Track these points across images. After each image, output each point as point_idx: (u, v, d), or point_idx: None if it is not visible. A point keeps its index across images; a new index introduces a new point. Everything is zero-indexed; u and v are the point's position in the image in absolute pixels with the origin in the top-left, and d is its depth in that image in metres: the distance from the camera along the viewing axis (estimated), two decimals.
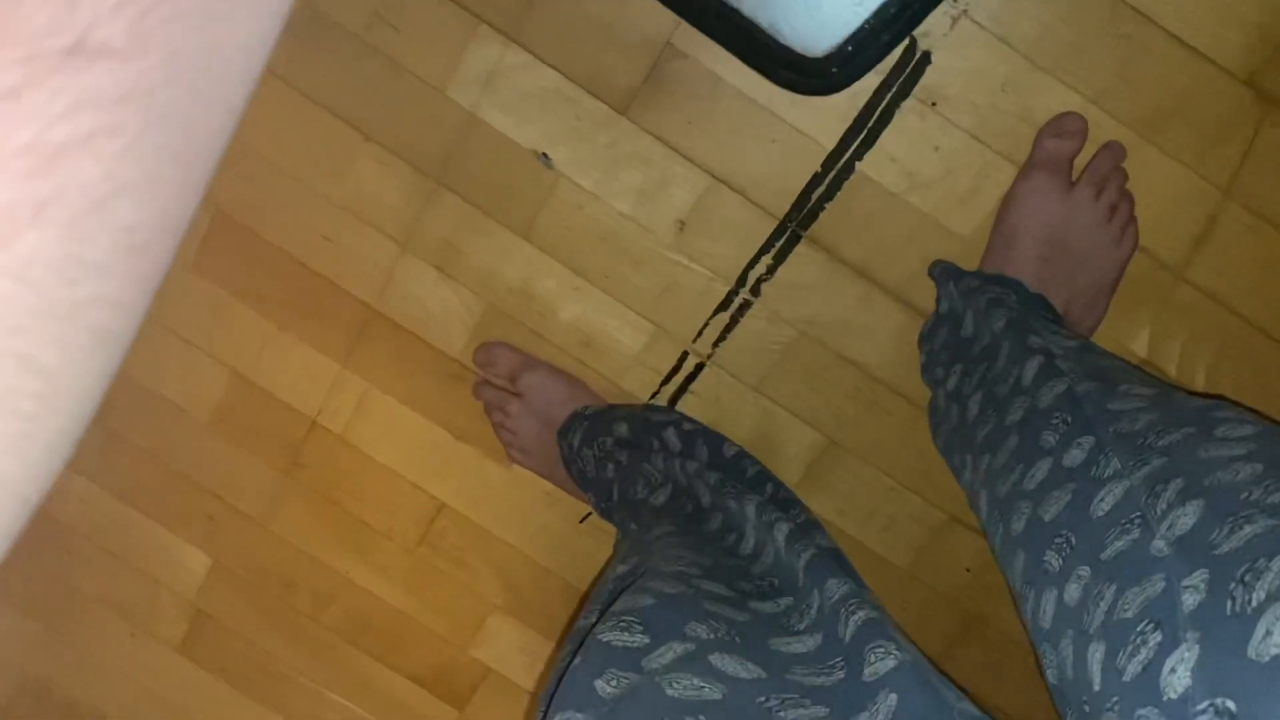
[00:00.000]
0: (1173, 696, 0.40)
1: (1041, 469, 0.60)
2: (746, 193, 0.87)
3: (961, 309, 0.82)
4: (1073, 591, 0.50)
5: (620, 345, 0.94)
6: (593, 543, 1.01)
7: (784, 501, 0.84)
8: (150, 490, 1.07)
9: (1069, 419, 0.60)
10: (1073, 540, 0.53)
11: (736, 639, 0.54)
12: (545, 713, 0.52)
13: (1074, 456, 0.57)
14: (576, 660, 0.52)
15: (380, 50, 0.86)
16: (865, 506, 0.95)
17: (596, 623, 0.57)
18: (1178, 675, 0.40)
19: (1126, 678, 0.43)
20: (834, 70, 0.77)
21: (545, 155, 0.88)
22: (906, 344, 0.89)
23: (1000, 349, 0.74)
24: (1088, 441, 0.57)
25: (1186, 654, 0.40)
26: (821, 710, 0.48)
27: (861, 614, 0.54)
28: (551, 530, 1.02)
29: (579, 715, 0.49)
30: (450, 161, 0.89)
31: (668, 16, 0.82)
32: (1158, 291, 0.86)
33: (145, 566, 1.11)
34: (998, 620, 0.97)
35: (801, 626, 0.58)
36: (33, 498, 0.19)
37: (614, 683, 0.49)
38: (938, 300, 0.87)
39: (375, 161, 0.90)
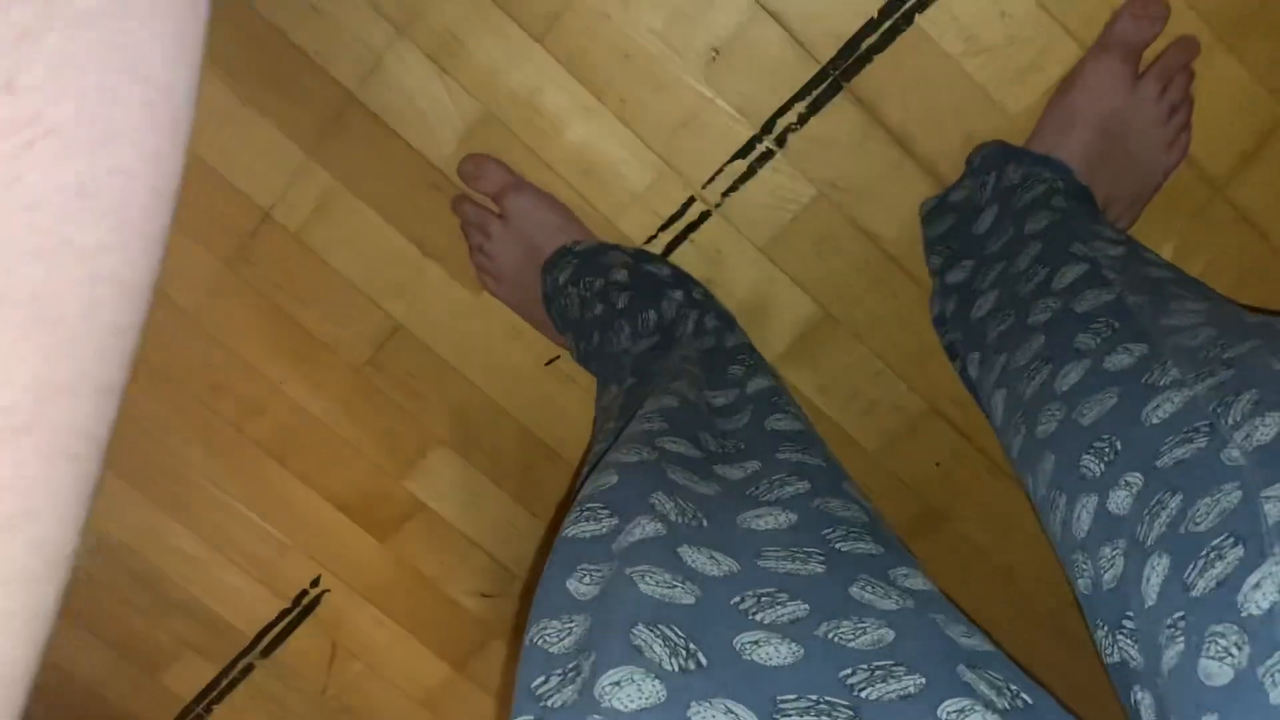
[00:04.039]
0: (1255, 612, 0.36)
1: (1075, 371, 0.56)
2: (793, 29, 0.79)
3: (983, 203, 0.77)
4: (1120, 499, 0.47)
5: (623, 180, 0.86)
6: (557, 386, 0.95)
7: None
8: None
9: (1115, 324, 0.56)
10: (1118, 445, 0.49)
11: (704, 522, 0.50)
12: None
13: (1119, 361, 0.54)
14: (548, 562, 0.49)
15: None
16: (849, 387, 0.91)
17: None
18: (1262, 591, 0.37)
19: (1196, 593, 0.40)
20: None
21: None
22: None
23: (1025, 249, 0.70)
24: (1139, 349, 0.53)
25: (1275, 568, 0.37)
26: (800, 608, 0.44)
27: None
28: (513, 368, 0.95)
29: (554, 623, 0.45)
30: None
31: None
32: (1194, 203, 0.82)
33: None
34: (959, 519, 0.95)
35: (770, 497, 0.55)
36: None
37: (586, 579, 0.46)
38: (957, 185, 0.82)
39: None
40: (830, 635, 0.42)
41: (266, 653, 1.09)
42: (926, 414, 0.92)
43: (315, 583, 1.06)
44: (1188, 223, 0.83)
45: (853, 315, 0.89)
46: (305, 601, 1.07)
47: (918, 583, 0.49)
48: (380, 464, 1.01)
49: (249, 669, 1.10)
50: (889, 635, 0.42)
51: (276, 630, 1.08)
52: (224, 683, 1.11)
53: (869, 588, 0.46)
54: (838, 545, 0.50)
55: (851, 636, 0.42)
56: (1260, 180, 0.81)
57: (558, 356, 0.94)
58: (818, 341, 0.90)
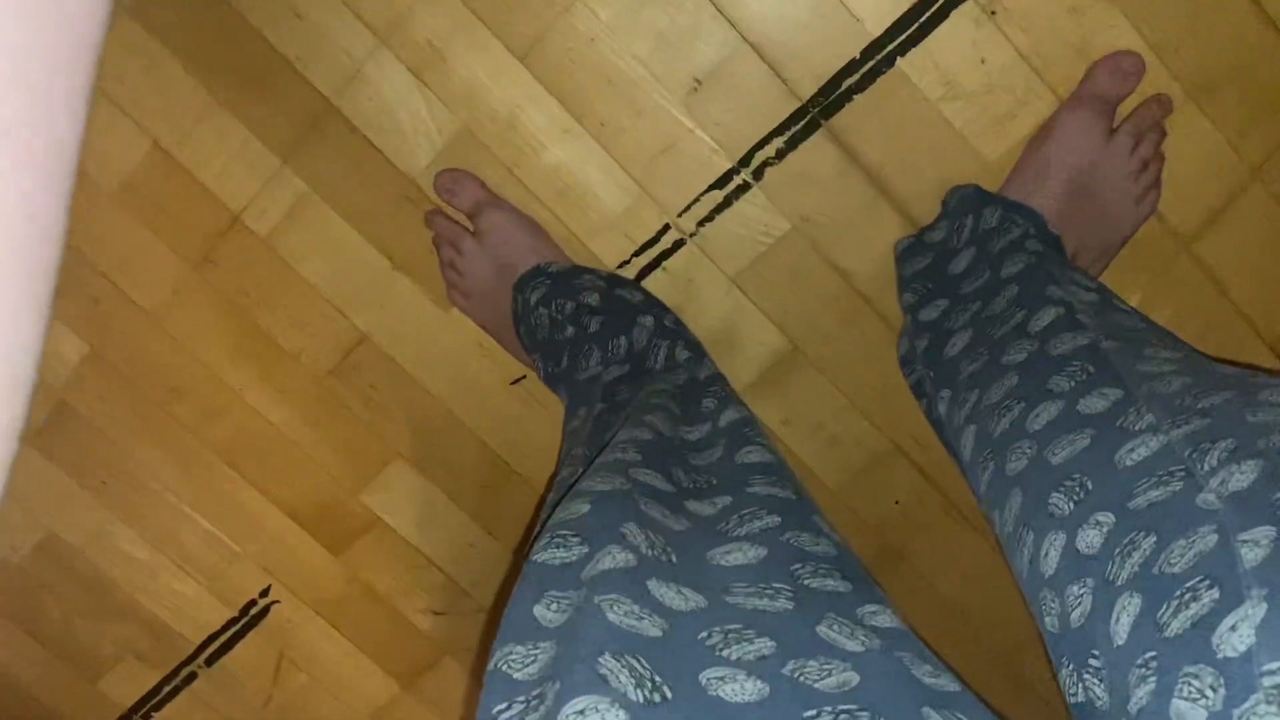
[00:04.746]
0: (1231, 655, 0.37)
1: (1049, 411, 0.56)
2: (776, 65, 0.80)
3: (959, 244, 0.78)
4: (1090, 538, 0.47)
5: (599, 203, 0.86)
6: (520, 407, 0.95)
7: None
8: None
9: (1090, 369, 0.57)
10: (1089, 485, 0.49)
11: (673, 557, 0.50)
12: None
13: (1094, 404, 0.54)
14: (516, 588, 0.48)
15: None
16: (812, 420, 0.92)
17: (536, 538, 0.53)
18: (1239, 634, 0.37)
19: (1169, 633, 0.40)
20: None
21: None
22: None
23: (1002, 292, 0.70)
24: (1114, 393, 0.54)
25: (1251, 611, 0.37)
26: (767, 645, 0.44)
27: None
28: (478, 385, 0.94)
29: (519, 649, 0.45)
30: None
31: None
32: (1159, 258, 0.84)
33: None
34: (915, 560, 0.96)
35: (740, 532, 0.55)
36: None
37: (553, 606, 0.46)
38: (934, 226, 0.82)
39: None
40: (796, 674, 0.42)
41: (211, 661, 1.07)
42: (889, 452, 0.92)
43: (265, 593, 1.04)
44: (1153, 276, 0.84)
45: (820, 350, 0.89)
46: (253, 611, 1.05)
47: (885, 620, 0.49)
48: (338, 476, 0.99)
49: (191, 677, 1.08)
50: (854, 679, 0.42)
51: (222, 639, 1.06)
52: (165, 690, 1.09)
53: (835, 626, 0.46)
54: (806, 581, 0.50)
55: (818, 677, 0.42)
56: (1225, 238, 0.82)
57: (524, 376, 0.93)
58: (784, 374, 0.90)
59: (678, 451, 0.64)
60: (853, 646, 0.45)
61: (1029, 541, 0.52)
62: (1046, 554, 0.50)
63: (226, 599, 1.05)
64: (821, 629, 0.46)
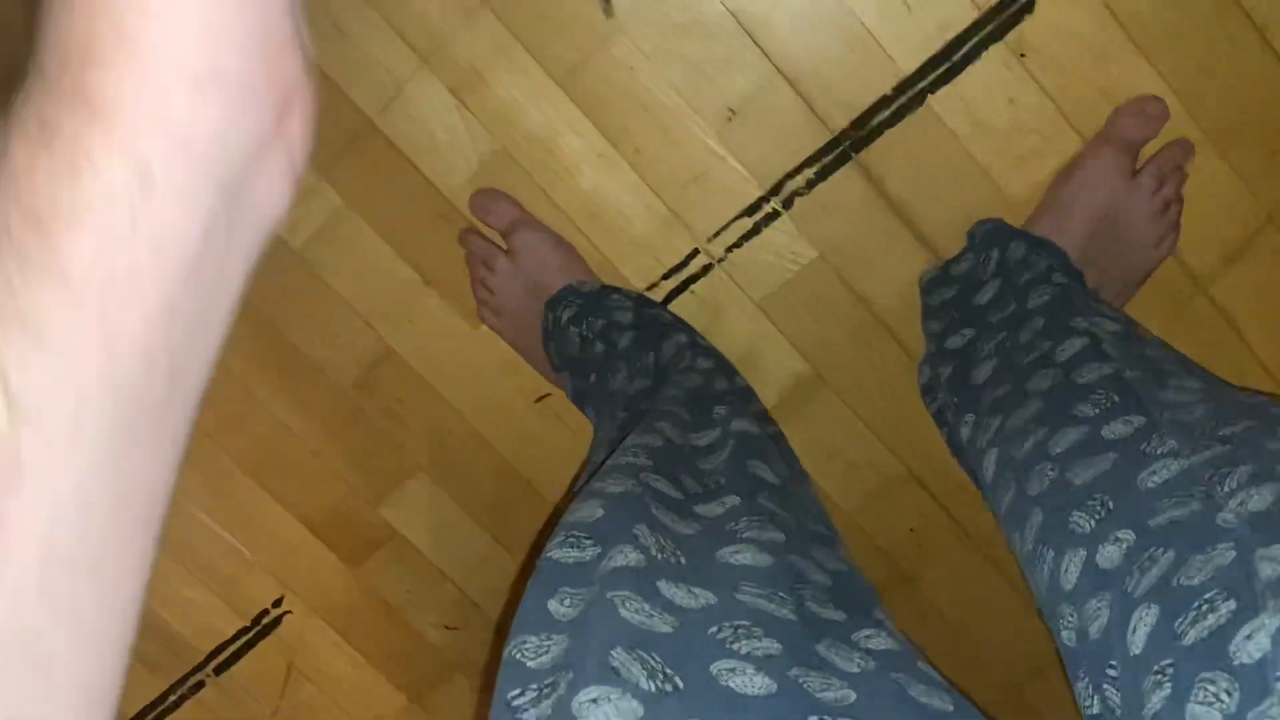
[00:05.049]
0: (1247, 661, 0.38)
1: (1071, 435, 0.58)
2: (809, 97, 0.82)
3: (985, 276, 0.80)
4: (1110, 554, 0.49)
5: (630, 226, 0.88)
6: (542, 425, 0.96)
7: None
8: None
9: (1115, 397, 0.59)
10: (1110, 504, 0.51)
11: (682, 560, 0.51)
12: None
13: (1117, 430, 0.56)
14: (530, 582, 0.50)
15: None
16: (829, 446, 0.93)
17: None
18: (1255, 642, 0.38)
19: (1186, 642, 0.41)
20: None
21: (607, 1, 0.81)
22: None
23: (1028, 322, 0.72)
24: (1137, 420, 0.56)
25: (1267, 621, 0.39)
26: (774, 645, 0.45)
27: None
28: (502, 402, 0.96)
29: (533, 639, 0.46)
30: None
31: None
32: (1175, 298, 0.86)
33: None
34: (927, 586, 0.97)
35: (749, 535, 0.56)
36: None
37: (566, 601, 0.47)
38: (960, 258, 0.84)
39: None
40: (800, 680, 0.43)
41: (219, 670, 1.07)
42: (903, 478, 0.94)
43: (277, 603, 1.04)
44: (1168, 317, 0.86)
45: (840, 376, 0.91)
46: (265, 621, 1.05)
47: (881, 642, 0.50)
48: (356, 487, 1.00)
49: (199, 686, 1.08)
50: (851, 695, 0.43)
51: (232, 649, 1.06)
52: (171, 699, 1.09)
53: (833, 649, 0.47)
54: (807, 603, 0.52)
55: (819, 688, 0.43)
56: (1241, 282, 0.84)
57: (549, 394, 0.95)
58: (804, 399, 0.92)
59: (687, 459, 0.66)
60: (850, 668, 0.46)
61: (1049, 558, 0.53)
62: (1066, 570, 0.51)
63: (238, 608, 1.05)
64: (820, 648, 0.47)
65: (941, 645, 0.98)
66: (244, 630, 1.06)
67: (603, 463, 0.64)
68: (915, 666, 0.48)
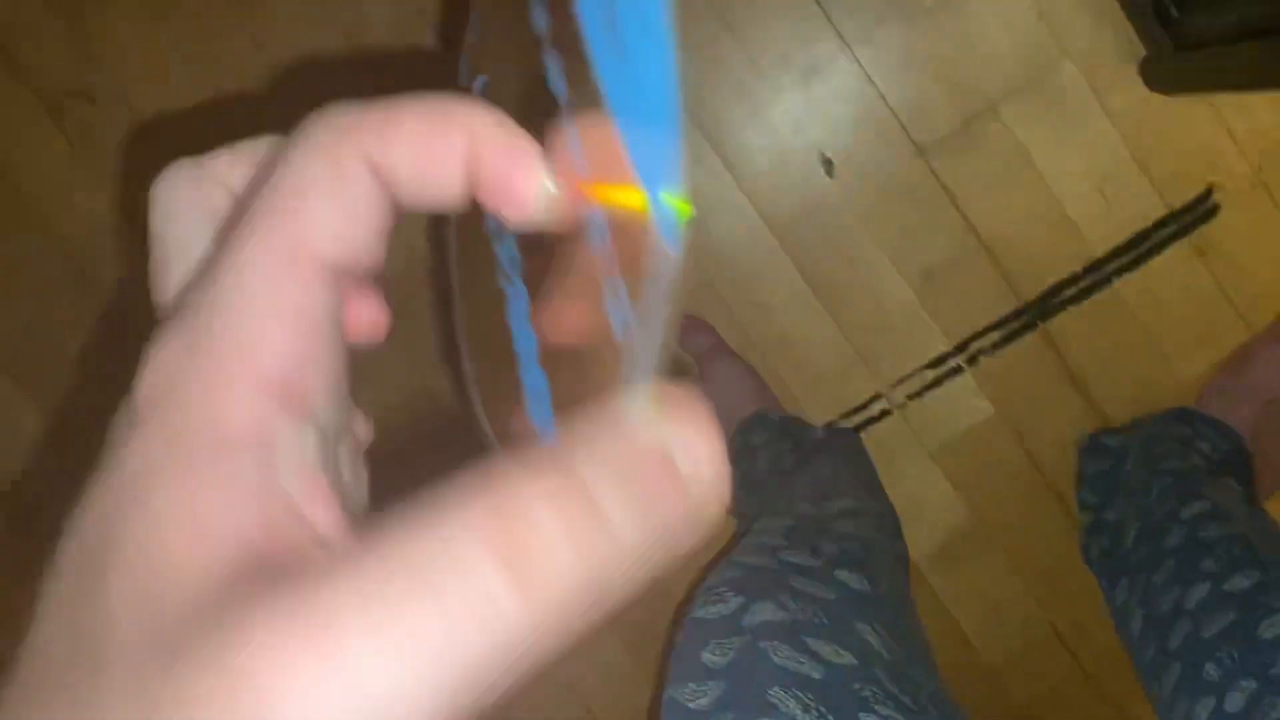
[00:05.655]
0: None
1: (1200, 590, 0.66)
2: (1003, 266, 0.90)
3: (1139, 452, 0.86)
4: (1235, 700, 0.57)
5: (818, 364, 0.94)
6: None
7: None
8: None
9: (1235, 551, 0.66)
10: (1235, 655, 0.59)
11: (825, 620, 0.56)
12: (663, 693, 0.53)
13: (1237, 584, 0.64)
14: (678, 640, 0.54)
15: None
16: (982, 595, 0.97)
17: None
18: None
19: None
20: None
21: (829, 160, 0.89)
22: None
23: (1172, 493, 0.78)
24: (1255, 574, 0.63)
25: None
26: None
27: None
28: None
29: (691, 685, 0.50)
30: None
31: (997, 78, 0.85)
32: None
33: None
34: None
35: (877, 623, 0.60)
36: None
37: (717, 651, 0.51)
38: (1115, 430, 0.91)
39: None
40: None
41: None
42: (1048, 636, 0.97)
43: None
44: None
45: (1000, 530, 0.95)
46: None
47: None
48: None
49: None
50: None
51: None
52: None
53: None
54: (921, 697, 0.56)
55: None
56: None
57: None
58: (962, 547, 0.96)
59: (821, 525, 0.71)
60: None
61: (1183, 705, 0.61)
62: (1199, 714, 0.59)
63: None
64: None
65: None
66: None
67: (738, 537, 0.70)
68: None
